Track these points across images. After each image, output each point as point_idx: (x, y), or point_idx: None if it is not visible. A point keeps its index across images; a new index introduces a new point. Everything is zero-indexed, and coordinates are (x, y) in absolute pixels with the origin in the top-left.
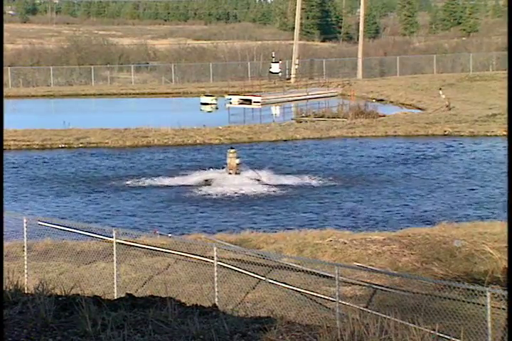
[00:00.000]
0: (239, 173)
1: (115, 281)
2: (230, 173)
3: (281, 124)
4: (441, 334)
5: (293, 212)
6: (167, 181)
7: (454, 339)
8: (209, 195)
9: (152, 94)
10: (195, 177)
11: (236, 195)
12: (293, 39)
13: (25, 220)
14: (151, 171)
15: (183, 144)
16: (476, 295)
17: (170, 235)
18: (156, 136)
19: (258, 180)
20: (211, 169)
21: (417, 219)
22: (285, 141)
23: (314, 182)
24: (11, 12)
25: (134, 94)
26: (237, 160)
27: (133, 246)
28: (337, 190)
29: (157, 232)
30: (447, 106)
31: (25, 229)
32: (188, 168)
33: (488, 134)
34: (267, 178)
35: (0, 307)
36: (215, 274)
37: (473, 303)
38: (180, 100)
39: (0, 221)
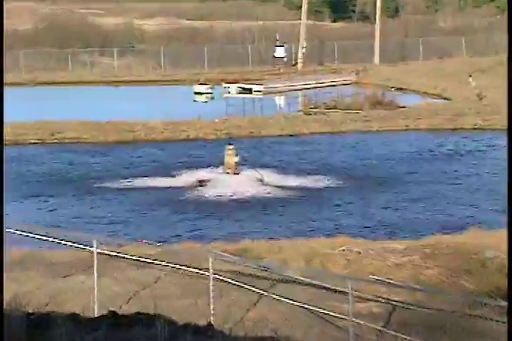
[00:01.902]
0: (238, 173)
1: (96, 296)
2: (227, 173)
3: (287, 117)
4: None
5: (300, 218)
6: (155, 182)
7: None
8: (203, 198)
9: (138, 81)
10: (187, 178)
11: (234, 198)
12: (300, 19)
13: None
14: (136, 171)
15: (174, 140)
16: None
17: (159, 244)
18: (143, 131)
19: (260, 181)
20: (206, 168)
21: (446, 225)
22: (291, 136)
23: (325, 184)
24: None
25: (117, 81)
26: (236, 158)
27: (116, 256)
28: (351, 192)
29: (144, 241)
30: (478, 96)
31: None
32: (179, 167)
33: None
34: (270, 179)
35: (0, 308)
36: (211, 288)
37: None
38: (171, 89)
39: (0, 222)
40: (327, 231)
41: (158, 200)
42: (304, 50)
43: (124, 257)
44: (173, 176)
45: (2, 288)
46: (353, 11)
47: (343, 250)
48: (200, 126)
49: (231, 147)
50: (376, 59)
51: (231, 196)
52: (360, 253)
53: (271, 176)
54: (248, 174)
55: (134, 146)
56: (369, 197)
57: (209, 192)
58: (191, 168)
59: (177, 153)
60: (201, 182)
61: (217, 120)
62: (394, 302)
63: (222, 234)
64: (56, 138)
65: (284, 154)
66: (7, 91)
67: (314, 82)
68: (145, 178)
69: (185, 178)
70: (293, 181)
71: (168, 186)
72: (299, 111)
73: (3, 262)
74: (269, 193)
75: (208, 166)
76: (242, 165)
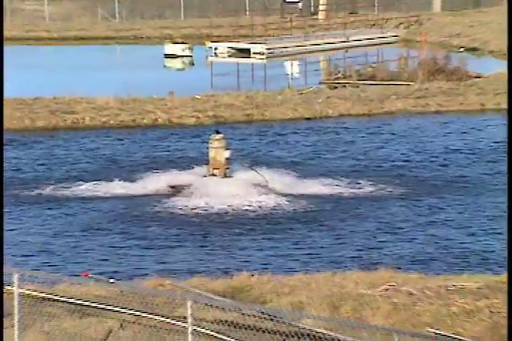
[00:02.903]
0: (229, 175)
1: None
2: (213, 175)
3: (302, 92)
4: None
5: (322, 242)
6: (108, 189)
7: None
8: (178, 212)
9: (82, 39)
10: (153, 183)
11: (224, 212)
12: None
13: None
14: (79, 172)
15: (135, 125)
16: None
17: (112, 280)
18: (88, 112)
19: (263, 187)
20: (182, 168)
21: None
22: (309, 119)
23: (361, 191)
24: None
25: (50, 38)
26: (227, 153)
27: (48, 299)
28: (401, 203)
29: (89, 275)
30: None
31: None
32: (143, 167)
33: None
34: (277, 184)
35: (0, 308)
36: None
37: None
38: (131, 49)
39: (0, 220)
40: (362, 262)
41: (110, 216)
42: None
43: (59, 300)
44: (134, 180)
45: (2, 289)
46: None
47: (387, 289)
48: (173, 105)
49: (219, 137)
50: (436, 5)
51: (219, 210)
52: (412, 294)
53: (278, 179)
54: (244, 176)
55: (74, 135)
56: (430, 212)
57: (186, 204)
58: (160, 167)
59: (139, 145)
60: (175, 189)
61: (198, 96)
62: None
63: (206, 266)
64: None
65: (298, 147)
66: None
67: (343, 39)
68: (91, 183)
69: (152, 183)
70: (311, 187)
71: (127, 195)
72: (320, 83)
73: (3, 262)
74: (275, 205)
75: (186, 165)
76: (236, 163)
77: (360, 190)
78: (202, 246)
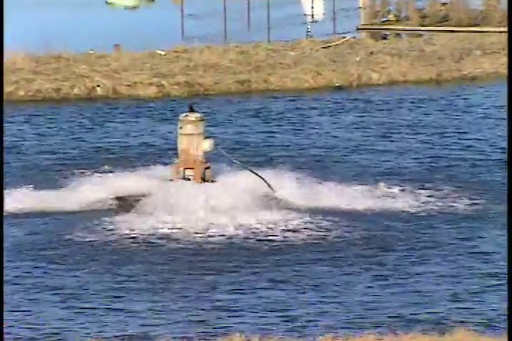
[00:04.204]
0: (211, 179)
1: None
2: (186, 178)
3: (328, 44)
4: None
5: (362, 287)
6: (17, 200)
7: None
8: (124, 242)
9: None
10: (89, 192)
11: (200, 239)
12: None
13: None
14: None
15: (59, 98)
16: None
17: None
18: None
19: (265, 197)
20: (134, 167)
21: None
22: (339, 88)
23: (428, 206)
24: None
25: None
26: (207, 144)
27: None
28: (489, 223)
29: None
30: None
31: None
32: (70, 166)
33: None
34: (287, 192)
35: (0, 307)
36: None
37: None
38: None
39: (0, 218)
40: (421, 310)
41: (24, 244)
42: None
43: None
44: (54, 187)
45: (2, 290)
46: None
47: None
48: (120, 66)
49: (195, 117)
50: None
51: (196, 237)
52: None
53: (289, 184)
54: (236, 181)
55: None
56: None
57: (139, 228)
58: (99, 166)
59: (65, 130)
60: (121, 203)
61: (161, 52)
62: None
63: (170, 328)
64: None
65: (320, 133)
66: None
67: None
68: None
69: (85, 192)
70: (342, 197)
71: (40, 212)
72: (358, 29)
73: (3, 261)
74: (283, 227)
75: (140, 163)
76: (221, 159)
77: (417, 201)
78: (162, 290)
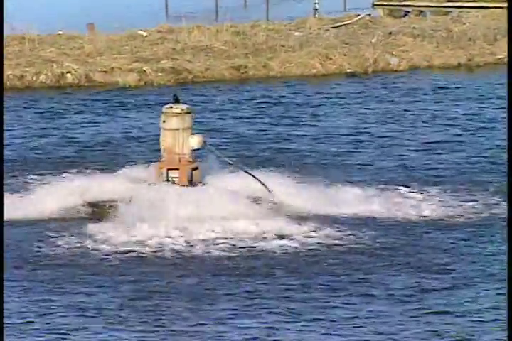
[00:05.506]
0: (199, 182)
1: None
2: (169, 181)
3: (339, 23)
4: None
5: (389, 319)
6: None
7: None
8: (96, 256)
9: None
10: (56, 197)
11: (187, 254)
12: None
13: None
14: None
15: (23, 87)
16: None
17: None
18: None
19: (263, 203)
20: (109, 169)
21: None
22: (352, 75)
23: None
24: None
25: None
26: (195, 141)
27: None
28: None
29: None
30: None
31: None
32: (34, 165)
33: None
34: (291, 199)
35: (0, 306)
36: None
37: None
38: None
39: (0, 221)
40: None
41: None
42: None
43: None
44: (17, 191)
45: (2, 290)
46: None
47: None
48: (95, 48)
49: (181, 109)
50: None
51: (183, 251)
52: None
53: (294, 190)
54: (229, 184)
55: None
56: None
57: (115, 240)
58: (67, 166)
59: (29, 122)
60: (94, 209)
61: (143, 32)
62: None
63: None
64: None
65: (328, 129)
66: None
67: None
68: None
69: (51, 197)
70: (364, 203)
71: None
72: (374, 5)
73: (3, 262)
74: (303, 240)
75: (117, 162)
76: (212, 159)
77: (453, 212)
78: (140, 321)
